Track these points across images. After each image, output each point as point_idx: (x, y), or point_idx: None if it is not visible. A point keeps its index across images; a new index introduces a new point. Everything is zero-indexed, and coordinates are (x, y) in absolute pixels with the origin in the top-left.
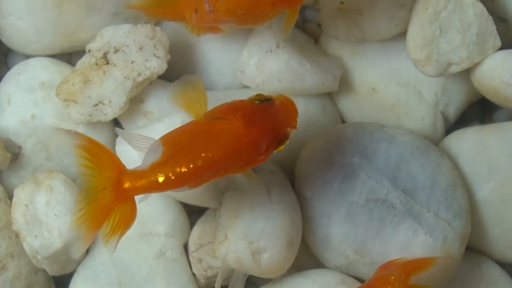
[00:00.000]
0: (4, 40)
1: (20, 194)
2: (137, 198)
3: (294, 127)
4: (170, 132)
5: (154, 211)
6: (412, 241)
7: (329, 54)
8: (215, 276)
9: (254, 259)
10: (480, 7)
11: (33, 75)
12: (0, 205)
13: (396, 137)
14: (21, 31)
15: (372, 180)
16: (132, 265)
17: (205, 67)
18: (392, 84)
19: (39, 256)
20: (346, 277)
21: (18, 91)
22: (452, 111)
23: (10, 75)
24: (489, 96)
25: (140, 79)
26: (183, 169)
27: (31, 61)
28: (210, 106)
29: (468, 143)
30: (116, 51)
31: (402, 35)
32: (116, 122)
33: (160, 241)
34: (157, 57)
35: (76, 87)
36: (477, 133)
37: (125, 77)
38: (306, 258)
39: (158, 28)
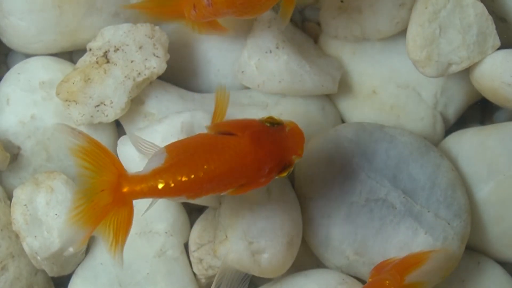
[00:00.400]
0: (4, 40)
1: (20, 194)
2: (142, 209)
3: (300, 156)
4: (176, 142)
5: (154, 210)
6: (412, 241)
7: (328, 54)
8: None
9: (254, 259)
10: (481, 6)
11: (33, 74)
12: None
13: (396, 137)
14: (22, 31)
15: (372, 180)
16: (132, 264)
17: (205, 67)
18: (392, 85)
19: (38, 257)
20: (346, 277)
21: (17, 91)
22: (452, 112)
23: (9, 75)
24: (489, 96)
25: (140, 79)
26: (184, 178)
27: (31, 60)
28: (210, 108)
29: (468, 143)
30: (116, 50)
31: (402, 35)
32: (117, 124)
33: (161, 240)
34: (157, 56)
35: (77, 86)
36: (477, 133)
37: (125, 77)
38: (306, 258)
39: (157, 27)
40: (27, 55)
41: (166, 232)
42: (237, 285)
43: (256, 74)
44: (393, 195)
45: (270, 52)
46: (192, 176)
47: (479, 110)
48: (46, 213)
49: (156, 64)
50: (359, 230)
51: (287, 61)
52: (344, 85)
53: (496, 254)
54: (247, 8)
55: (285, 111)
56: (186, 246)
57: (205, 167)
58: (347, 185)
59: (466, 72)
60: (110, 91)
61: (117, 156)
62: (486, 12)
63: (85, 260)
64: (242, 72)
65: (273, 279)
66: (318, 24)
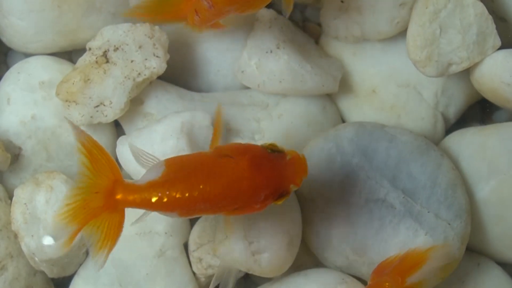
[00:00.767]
0: (4, 39)
1: (20, 194)
2: (133, 218)
3: (298, 185)
4: (176, 157)
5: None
6: (412, 242)
7: (329, 54)
8: None
9: (254, 259)
10: (481, 6)
11: (33, 74)
12: (0, 205)
13: (396, 137)
14: (21, 30)
15: (372, 180)
16: (132, 264)
17: (205, 67)
18: (392, 85)
19: (36, 258)
20: (346, 277)
21: (17, 91)
22: (452, 112)
23: (9, 74)
24: (489, 96)
25: (140, 79)
26: (178, 195)
27: (31, 59)
28: (210, 108)
29: (468, 143)
30: (116, 49)
31: (403, 35)
32: (116, 124)
33: (160, 240)
34: (157, 56)
35: (77, 86)
36: (477, 133)
37: (125, 77)
38: (306, 257)
39: (157, 27)
40: (27, 55)
41: (165, 233)
42: (235, 284)
43: (256, 74)
44: (392, 195)
45: (271, 52)
46: (187, 194)
47: (480, 110)
48: (45, 211)
49: (156, 64)
50: (359, 230)
51: (288, 61)
52: (344, 85)
53: (496, 255)
54: (249, 2)
55: (285, 111)
56: (185, 246)
57: (201, 187)
58: (347, 185)
59: (466, 72)
60: (110, 91)
61: (116, 157)
62: (486, 12)
63: (87, 260)
64: (242, 72)
65: (273, 278)
66: (319, 24)
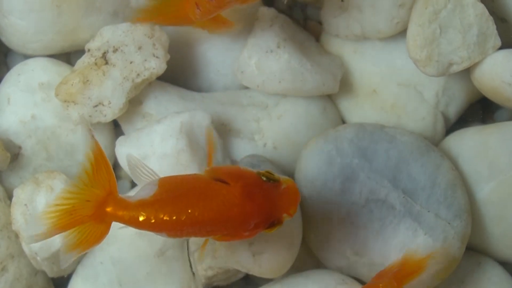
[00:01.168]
0: (4, 39)
1: (20, 194)
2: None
3: (290, 215)
4: (171, 177)
5: None
6: (412, 242)
7: (329, 52)
8: (216, 276)
9: (255, 259)
10: (481, 7)
11: (32, 76)
12: (0, 205)
13: (396, 137)
14: (21, 30)
15: (372, 180)
16: (132, 264)
17: (205, 67)
18: (393, 84)
19: (38, 258)
20: (346, 278)
21: (17, 92)
22: (453, 111)
23: (9, 76)
24: (490, 95)
25: (139, 80)
26: (165, 217)
27: (30, 61)
28: (209, 108)
29: (469, 142)
30: (115, 50)
31: (403, 34)
32: (115, 124)
33: (161, 239)
34: (156, 57)
35: (76, 87)
36: (478, 132)
37: (124, 78)
38: (306, 258)
39: (157, 26)
40: (26, 55)
41: None
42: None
43: (256, 74)
44: (392, 195)
45: (271, 51)
46: (174, 217)
47: (480, 109)
48: None
49: (156, 65)
50: (359, 231)
51: (289, 60)
52: (345, 84)
53: (496, 255)
54: None
55: (285, 111)
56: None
57: (189, 211)
58: (347, 185)
59: (467, 72)
60: (109, 92)
61: (115, 157)
62: (487, 13)
63: (85, 259)
64: (242, 72)
65: (273, 279)
66: (320, 23)
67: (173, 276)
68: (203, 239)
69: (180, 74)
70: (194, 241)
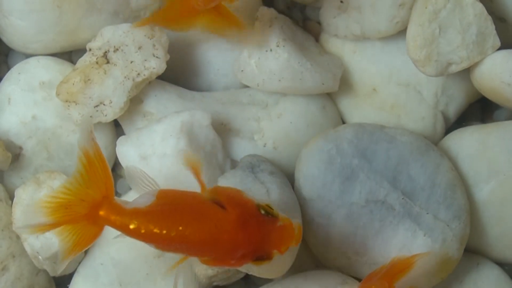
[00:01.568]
0: (4, 39)
1: (21, 194)
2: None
3: (281, 253)
4: (170, 190)
5: None
6: (411, 243)
7: (329, 52)
8: (216, 275)
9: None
10: (480, 7)
11: (33, 75)
12: (1, 205)
13: (396, 138)
14: (22, 30)
15: (372, 181)
16: (133, 264)
17: (205, 67)
18: (392, 84)
19: (40, 257)
20: (347, 278)
21: (18, 91)
22: (452, 111)
23: (10, 75)
24: (489, 95)
25: (139, 79)
26: (156, 230)
27: (31, 60)
28: (209, 107)
29: (468, 142)
30: (116, 50)
31: (403, 34)
32: (116, 124)
33: None
34: (156, 57)
35: (77, 86)
36: (477, 132)
37: (125, 77)
38: (306, 258)
39: (157, 27)
40: (27, 55)
41: None
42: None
43: (256, 73)
44: (392, 196)
45: (271, 50)
46: (164, 231)
47: (480, 108)
48: None
49: (156, 65)
50: (359, 231)
51: (288, 59)
52: (344, 84)
53: (495, 256)
54: None
55: (285, 110)
56: None
57: (180, 228)
58: (347, 186)
59: (466, 71)
60: (110, 91)
61: (116, 156)
62: (486, 13)
63: (86, 259)
64: (242, 71)
65: (273, 279)
66: (319, 23)
67: (172, 276)
68: None
69: (180, 74)
70: None
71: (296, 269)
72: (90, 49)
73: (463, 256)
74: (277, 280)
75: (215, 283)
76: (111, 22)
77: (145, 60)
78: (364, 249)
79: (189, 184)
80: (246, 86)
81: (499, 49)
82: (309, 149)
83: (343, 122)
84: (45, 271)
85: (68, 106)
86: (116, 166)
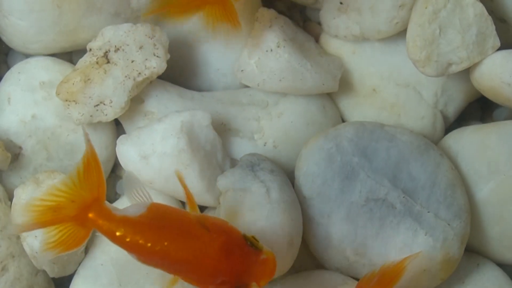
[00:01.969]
0: (4, 39)
1: (21, 194)
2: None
3: (259, 286)
4: (163, 206)
5: None
6: (412, 242)
7: (329, 53)
8: None
9: None
10: (480, 7)
11: (33, 74)
12: (0, 205)
13: (396, 136)
14: (22, 30)
15: (372, 179)
16: (132, 264)
17: (205, 67)
18: (392, 84)
19: (39, 257)
20: (346, 278)
21: (18, 91)
22: (452, 111)
23: (10, 74)
24: (489, 95)
25: (140, 78)
26: (141, 241)
27: (31, 60)
28: (209, 107)
29: (468, 142)
30: (117, 50)
31: (403, 34)
32: (117, 123)
33: None
34: (157, 56)
35: (77, 86)
36: (477, 131)
37: (125, 77)
38: (306, 258)
39: (157, 27)
40: (27, 55)
41: None
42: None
43: (256, 73)
44: (393, 194)
45: (271, 50)
46: (149, 244)
47: (479, 108)
48: None
49: (156, 64)
50: (359, 230)
51: (289, 60)
52: (344, 84)
53: (495, 256)
54: None
55: (285, 110)
56: None
57: (165, 244)
58: (347, 184)
59: (466, 72)
60: (110, 91)
61: (116, 156)
62: (486, 13)
63: (86, 260)
64: (242, 71)
65: (273, 279)
66: (319, 23)
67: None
68: None
69: (180, 74)
70: None
71: (296, 269)
72: (90, 49)
73: (464, 256)
74: (277, 280)
75: None
76: (111, 22)
77: (146, 59)
78: (364, 249)
79: (189, 184)
80: (246, 86)
81: (499, 49)
82: (309, 147)
83: (343, 122)
84: (44, 271)
85: (68, 105)
86: (116, 167)
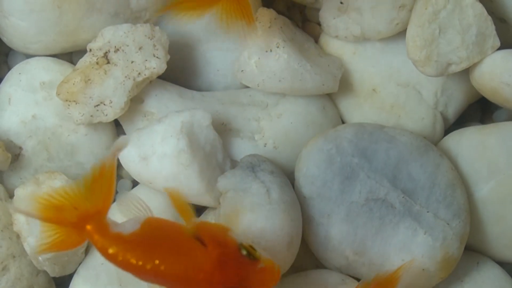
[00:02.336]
0: (5, 40)
1: (21, 194)
2: None
3: None
4: (157, 220)
5: (154, 210)
6: (411, 241)
7: (329, 53)
8: None
9: None
10: (480, 7)
11: (33, 75)
12: (0, 206)
13: (396, 137)
14: (22, 31)
15: (372, 180)
16: None
17: (205, 67)
18: (392, 84)
19: (40, 257)
20: (346, 278)
21: (18, 91)
22: (452, 111)
23: (10, 75)
24: (488, 96)
25: (140, 79)
26: (132, 260)
27: (32, 60)
28: (209, 107)
29: (468, 142)
30: (116, 50)
31: (402, 34)
32: (117, 124)
33: None
34: (157, 57)
35: (77, 86)
36: (477, 132)
37: (125, 77)
38: (306, 258)
39: (157, 27)
40: (27, 55)
41: None
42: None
43: (256, 73)
44: (392, 195)
45: (271, 51)
46: (140, 263)
47: (479, 109)
48: None
49: (156, 65)
50: (359, 230)
51: (288, 60)
52: (344, 84)
53: (495, 254)
54: None
55: (285, 111)
56: None
57: (156, 262)
58: (346, 185)
59: (466, 72)
60: (110, 91)
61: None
62: (485, 13)
63: (86, 260)
64: (242, 71)
65: None
66: (319, 24)
67: None
68: None
69: (180, 75)
70: None
71: (296, 269)
72: (90, 50)
73: (464, 255)
74: None
75: None
76: (111, 23)
77: (146, 60)
78: (363, 248)
79: (189, 185)
80: (246, 87)
81: (499, 49)
82: (309, 148)
83: (343, 123)
84: (45, 271)
85: (68, 105)
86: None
